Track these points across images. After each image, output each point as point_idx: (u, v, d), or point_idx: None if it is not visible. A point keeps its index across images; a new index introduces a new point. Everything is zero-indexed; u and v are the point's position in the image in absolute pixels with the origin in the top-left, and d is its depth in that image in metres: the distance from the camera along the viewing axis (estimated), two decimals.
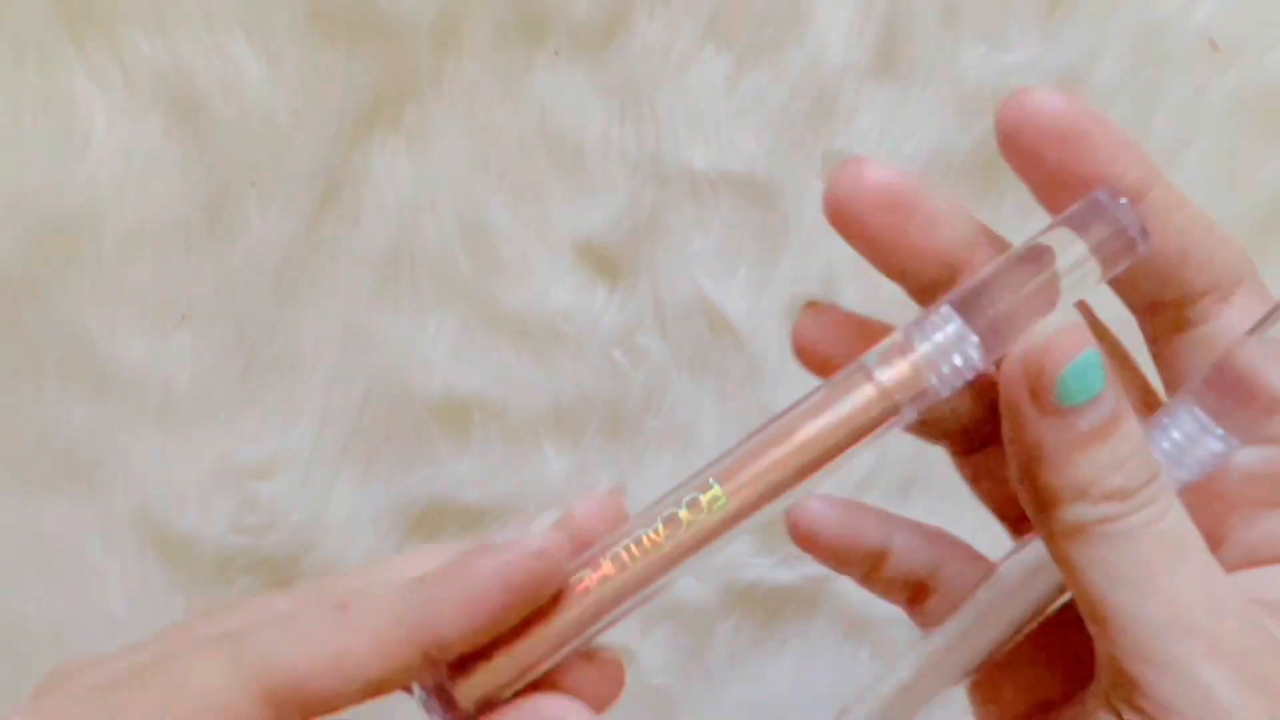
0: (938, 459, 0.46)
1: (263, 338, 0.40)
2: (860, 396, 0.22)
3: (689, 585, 0.45)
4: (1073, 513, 0.21)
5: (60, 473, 0.39)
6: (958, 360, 0.22)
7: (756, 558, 0.45)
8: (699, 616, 0.45)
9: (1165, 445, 0.23)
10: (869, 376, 0.22)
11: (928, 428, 0.26)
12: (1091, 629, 0.22)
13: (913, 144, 0.44)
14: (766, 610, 0.46)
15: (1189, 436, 0.23)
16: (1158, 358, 0.25)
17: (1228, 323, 0.23)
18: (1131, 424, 0.21)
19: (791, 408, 0.23)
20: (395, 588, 0.21)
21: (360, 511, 0.42)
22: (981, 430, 0.26)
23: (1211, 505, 0.24)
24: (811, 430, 0.23)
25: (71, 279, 0.38)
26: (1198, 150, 0.46)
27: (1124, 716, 0.21)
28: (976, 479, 0.27)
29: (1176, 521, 0.21)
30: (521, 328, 0.42)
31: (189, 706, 0.20)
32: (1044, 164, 0.23)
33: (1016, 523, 0.27)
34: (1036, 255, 0.22)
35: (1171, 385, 0.25)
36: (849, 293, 0.45)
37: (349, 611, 0.21)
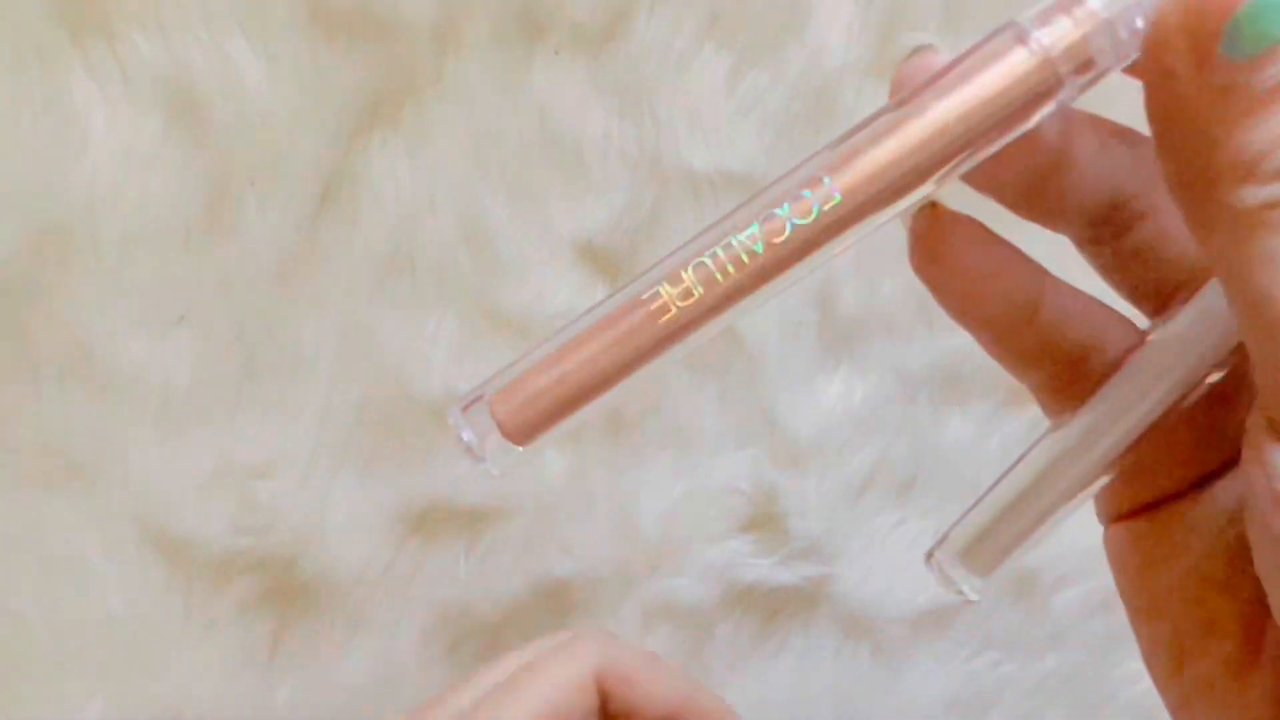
0: (938, 458, 0.46)
1: (262, 338, 0.40)
2: (1013, 63, 0.18)
3: (689, 585, 0.45)
4: (1240, 195, 0.17)
5: (59, 473, 0.39)
6: (1139, 22, 0.18)
7: (756, 558, 0.46)
8: (699, 616, 0.45)
9: None
10: (1023, 39, 0.18)
11: (1056, 205, 0.22)
12: (1253, 340, 0.19)
13: None
14: (766, 610, 0.46)
15: None
16: (1109, 275, 0.24)
17: (1162, 219, 0.22)
18: None
19: (925, 85, 0.18)
20: None
21: (360, 512, 0.42)
22: (1123, 212, 0.22)
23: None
24: (948, 108, 0.18)
25: (69, 279, 0.38)
26: None
27: None
28: (1111, 267, 0.24)
29: None
30: (521, 328, 0.42)
31: None
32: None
33: (1161, 308, 0.24)
34: None
35: (1128, 293, 0.24)
36: (848, 293, 0.45)
37: None
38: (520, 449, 0.20)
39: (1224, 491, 0.22)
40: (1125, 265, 0.24)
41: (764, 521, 0.46)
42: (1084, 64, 0.18)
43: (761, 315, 0.44)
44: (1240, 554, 0.21)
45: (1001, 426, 0.46)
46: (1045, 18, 0.18)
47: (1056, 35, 0.18)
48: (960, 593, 0.22)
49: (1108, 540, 0.25)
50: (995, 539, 0.21)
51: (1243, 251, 0.18)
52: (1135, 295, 0.24)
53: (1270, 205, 0.17)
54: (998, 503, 0.22)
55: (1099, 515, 0.25)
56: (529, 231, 0.42)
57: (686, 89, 0.42)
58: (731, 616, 0.46)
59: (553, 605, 0.44)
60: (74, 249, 0.38)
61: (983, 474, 0.46)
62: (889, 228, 0.21)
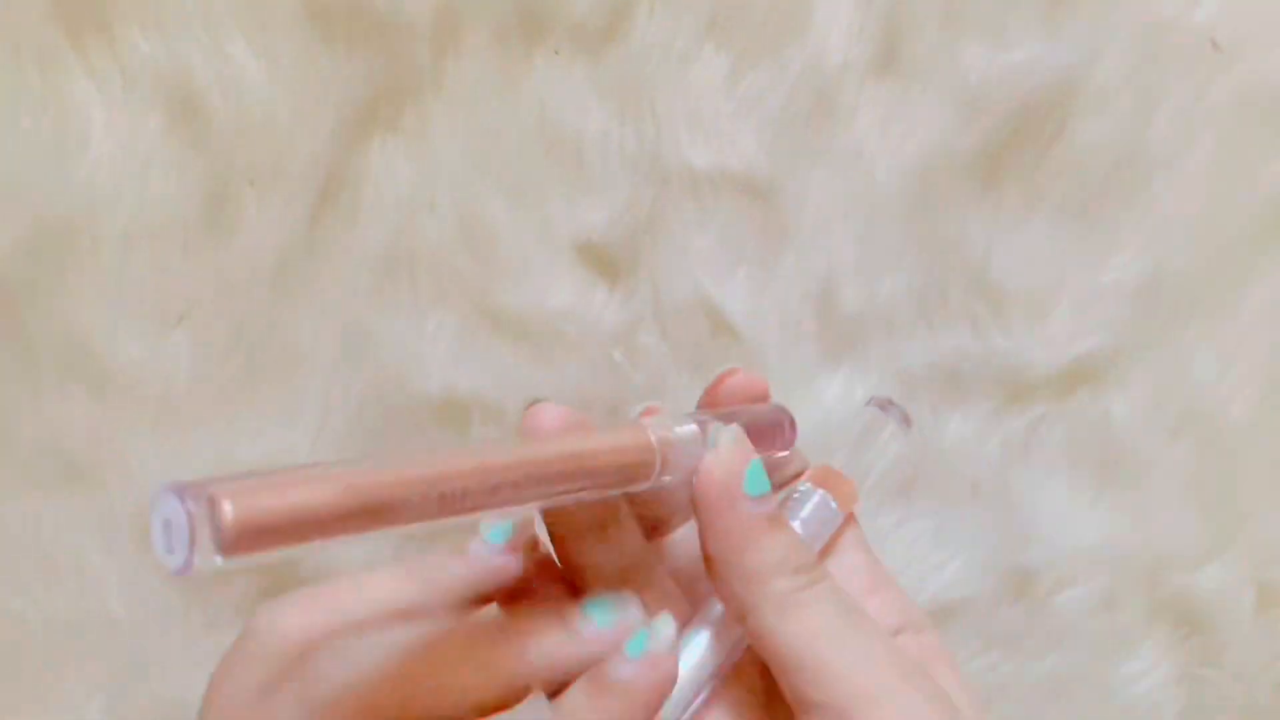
0: (938, 459, 0.46)
1: (261, 337, 0.40)
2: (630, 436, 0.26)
3: None
4: (776, 584, 0.26)
5: (59, 473, 0.39)
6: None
7: None
8: None
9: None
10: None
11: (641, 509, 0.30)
12: (803, 693, 0.26)
13: (913, 144, 0.44)
14: None
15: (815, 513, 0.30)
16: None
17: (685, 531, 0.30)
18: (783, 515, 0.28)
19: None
20: None
21: None
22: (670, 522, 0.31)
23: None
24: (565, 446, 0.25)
25: (69, 278, 0.38)
26: (1198, 150, 0.46)
27: None
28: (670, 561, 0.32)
29: (844, 592, 0.27)
30: (521, 328, 0.42)
31: None
32: None
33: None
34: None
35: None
36: (849, 293, 0.45)
37: None
38: (221, 560, 0.19)
39: None
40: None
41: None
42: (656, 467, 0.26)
43: (762, 314, 0.44)
44: None
45: (1001, 426, 0.46)
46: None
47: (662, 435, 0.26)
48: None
49: None
50: None
51: (789, 625, 0.26)
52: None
53: (800, 589, 0.26)
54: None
55: None
56: (529, 231, 0.42)
57: (686, 89, 0.42)
58: None
59: None
60: (74, 249, 0.38)
61: (982, 474, 0.46)
62: (889, 228, 0.22)
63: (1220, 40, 0.45)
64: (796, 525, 0.29)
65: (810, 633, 0.26)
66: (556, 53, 0.41)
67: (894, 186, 0.43)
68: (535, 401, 0.27)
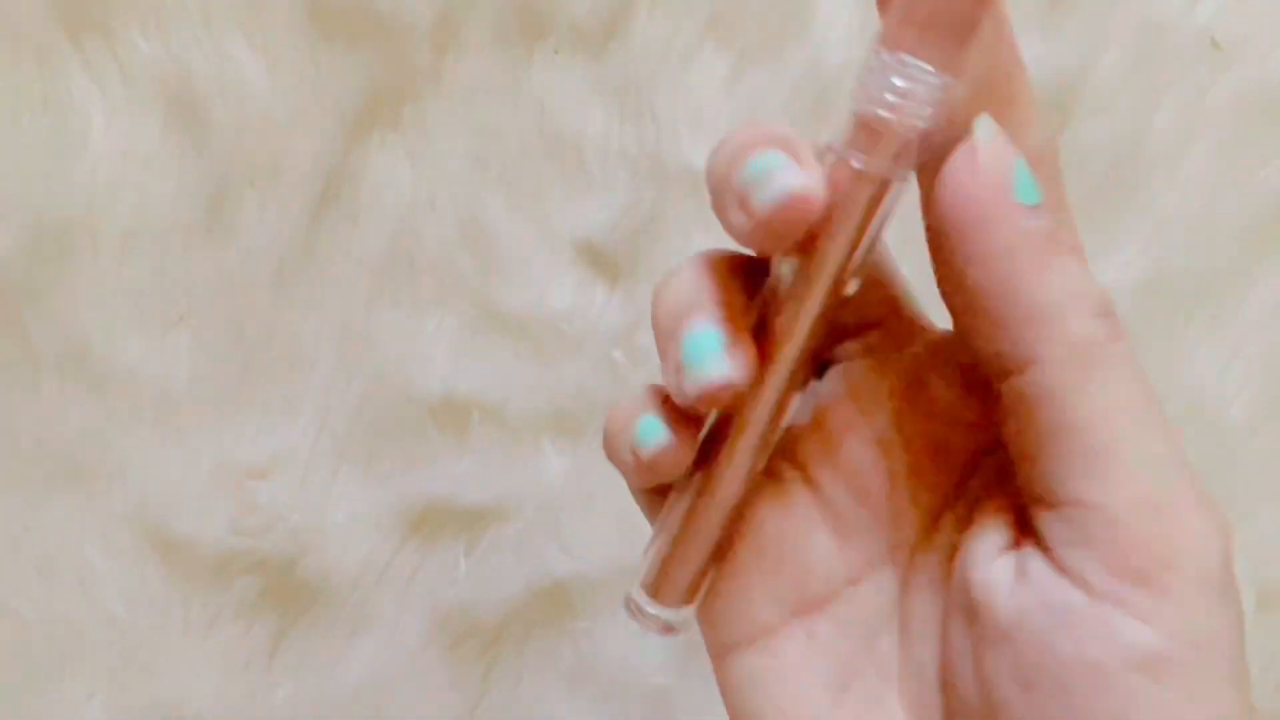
0: None
1: (261, 337, 0.40)
2: (851, 191, 0.22)
3: None
4: (1078, 327, 0.19)
5: (59, 473, 0.39)
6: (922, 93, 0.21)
7: None
8: None
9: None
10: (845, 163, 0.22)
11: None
12: (1067, 460, 0.20)
13: None
14: None
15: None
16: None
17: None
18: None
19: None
20: None
21: (359, 512, 0.42)
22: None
23: None
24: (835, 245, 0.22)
25: (69, 279, 0.38)
26: (1198, 150, 0.46)
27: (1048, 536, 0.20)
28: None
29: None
30: (521, 328, 0.42)
31: None
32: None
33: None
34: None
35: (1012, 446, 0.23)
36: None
37: None
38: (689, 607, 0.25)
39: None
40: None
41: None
42: (899, 156, 0.21)
43: None
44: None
45: None
46: (853, 141, 0.22)
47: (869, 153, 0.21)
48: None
49: (725, 679, 0.25)
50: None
51: (1084, 383, 0.19)
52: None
53: (1099, 342, 0.20)
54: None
55: (710, 650, 0.26)
56: (529, 231, 0.42)
57: (686, 89, 0.42)
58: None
59: (552, 605, 0.44)
60: (74, 249, 0.38)
61: None
62: (888, 227, 0.23)
63: (1220, 40, 0.45)
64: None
65: (1115, 408, 0.19)
66: (556, 53, 0.41)
67: None
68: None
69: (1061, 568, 0.20)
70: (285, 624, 0.41)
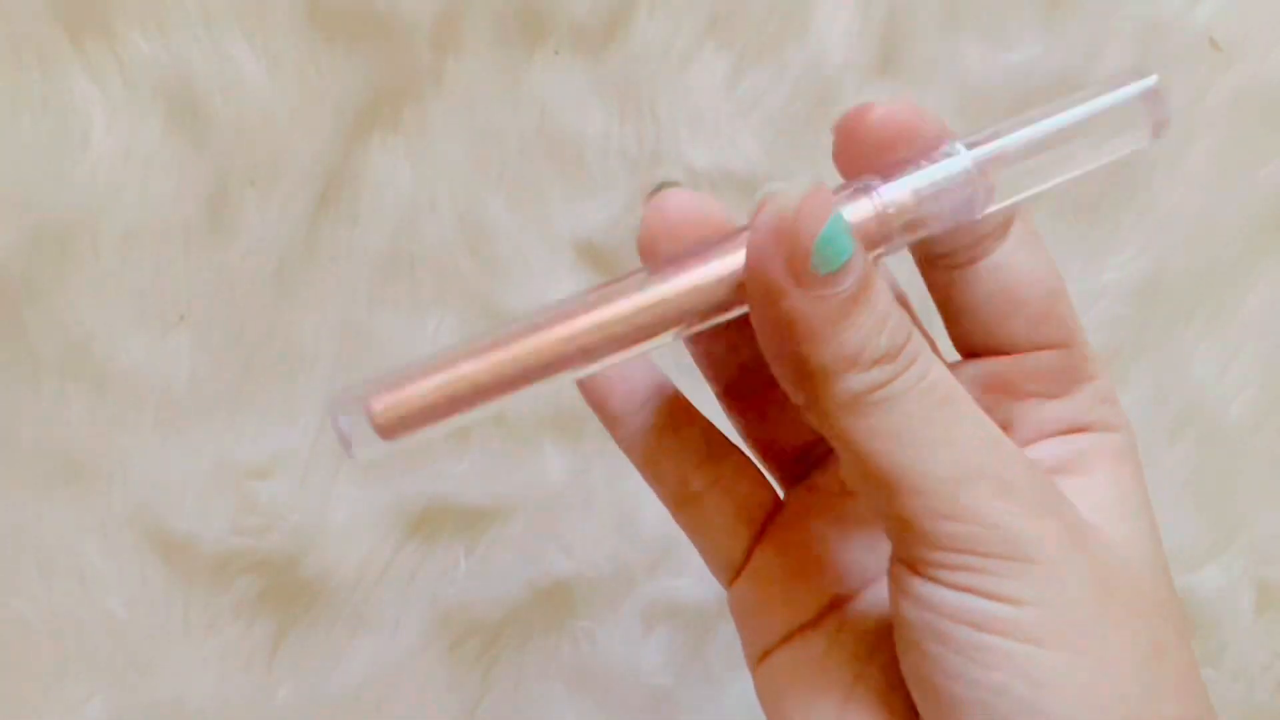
0: None
1: (262, 337, 0.40)
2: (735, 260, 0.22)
3: (689, 585, 0.45)
4: (847, 384, 0.21)
5: (59, 472, 0.39)
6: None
7: None
8: (699, 616, 0.45)
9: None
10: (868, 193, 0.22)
11: (709, 359, 0.27)
12: (878, 500, 0.22)
13: None
14: None
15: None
16: (941, 301, 0.26)
17: (1005, 252, 0.24)
18: (880, 280, 0.21)
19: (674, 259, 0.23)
20: None
21: (360, 512, 0.42)
22: (760, 373, 0.25)
23: (999, 399, 0.25)
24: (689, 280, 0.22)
25: (69, 278, 0.38)
26: (1198, 150, 0.46)
27: (928, 573, 0.22)
28: (748, 426, 0.28)
29: (941, 374, 0.22)
30: None
31: None
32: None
33: (789, 467, 0.28)
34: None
35: (953, 322, 0.26)
36: None
37: None
38: (385, 442, 0.21)
39: (895, 568, 0.23)
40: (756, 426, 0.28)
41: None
42: (912, 222, 0.23)
43: None
44: (883, 677, 0.24)
45: None
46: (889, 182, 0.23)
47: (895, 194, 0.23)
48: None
49: (758, 684, 0.27)
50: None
51: (859, 428, 0.21)
52: (765, 456, 0.28)
53: (875, 387, 0.21)
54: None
55: (748, 662, 0.27)
56: (529, 231, 0.42)
57: (686, 89, 0.42)
58: (732, 617, 0.46)
59: (552, 605, 0.44)
60: (74, 248, 0.38)
61: None
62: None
63: (1220, 40, 0.45)
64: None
65: (886, 433, 0.21)
66: (556, 53, 0.41)
67: None
68: (662, 186, 0.24)
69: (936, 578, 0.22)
70: (285, 624, 0.41)
